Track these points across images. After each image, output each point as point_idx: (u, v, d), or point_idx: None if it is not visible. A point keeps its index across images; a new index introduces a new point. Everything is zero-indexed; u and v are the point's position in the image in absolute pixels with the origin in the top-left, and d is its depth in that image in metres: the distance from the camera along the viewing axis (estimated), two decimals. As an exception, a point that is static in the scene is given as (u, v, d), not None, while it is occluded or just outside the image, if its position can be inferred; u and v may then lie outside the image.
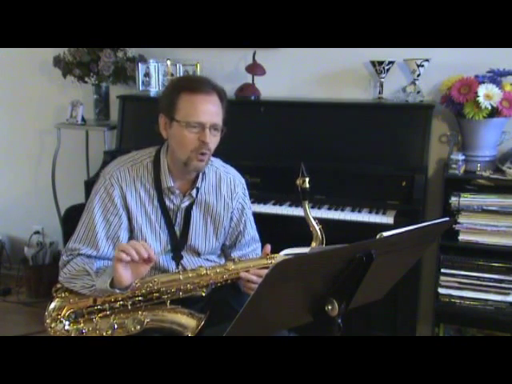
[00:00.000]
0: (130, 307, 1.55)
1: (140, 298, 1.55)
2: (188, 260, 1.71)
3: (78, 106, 3.05)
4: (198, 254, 1.74)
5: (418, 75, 2.51)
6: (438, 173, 2.62)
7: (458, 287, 2.32)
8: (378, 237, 1.15)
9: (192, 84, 1.61)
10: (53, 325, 1.54)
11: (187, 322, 1.54)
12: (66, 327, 1.54)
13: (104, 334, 1.53)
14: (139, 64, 2.89)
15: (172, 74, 2.84)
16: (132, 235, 1.65)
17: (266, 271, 1.53)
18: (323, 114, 2.57)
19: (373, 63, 2.57)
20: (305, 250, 1.43)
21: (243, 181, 1.81)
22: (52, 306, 1.57)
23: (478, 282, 2.30)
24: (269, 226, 1.93)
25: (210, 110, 1.57)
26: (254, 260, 1.62)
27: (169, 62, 2.84)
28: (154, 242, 1.66)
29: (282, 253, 1.47)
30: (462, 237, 2.29)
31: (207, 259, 1.75)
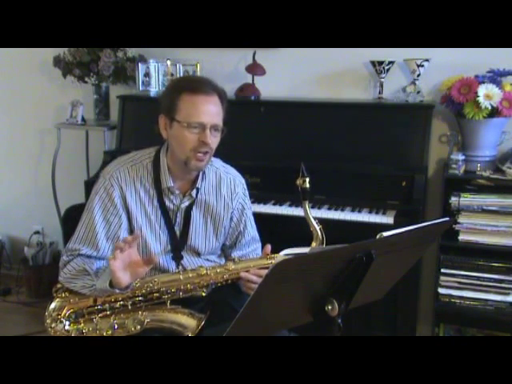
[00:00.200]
0: (130, 307, 1.55)
1: (140, 298, 1.55)
2: (188, 260, 1.71)
3: (78, 106, 3.05)
4: (198, 254, 1.74)
5: (418, 75, 2.51)
6: (438, 173, 2.62)
7: (458, 287, 2.32)
8: (378, 237, 1.15)
9: (193, 84, 1.61)
10: (53, 325, 1.54)
11: (187, 322, 1.54)
12: (66, 327, 1.54)
13: (104, 334, 1.54)
14: (139, 64, 2.89)
15: (172, 74, 2.84)
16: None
17: (266, 271, 1.54)
18: (323, 114, 2.57)
19: (373, 63, 2.57)
20: (305, 249, 1.43)
21: (243, 181, 1.81)
22: (52, 306, 1.57)
23: (478, 282, 2.29)
24: (269, 225, 1.93)
25: (210, 111, 1.57)
26: (254, 260, 1.62)
27: (169, 62, 2.84)
28: (154, 242, 1.67)
29: (282, 253, 1.47)
30: (462, 237, 2.29)
31: (207, 259, 1.75)
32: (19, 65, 3.36)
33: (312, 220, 1.59)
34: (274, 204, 2.43)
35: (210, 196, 1.72)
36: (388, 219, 2.22)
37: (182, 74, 2.82)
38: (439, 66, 2.51)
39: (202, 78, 1.71)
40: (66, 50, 3.01)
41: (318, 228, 1.59)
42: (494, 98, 2.24)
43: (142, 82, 2.90)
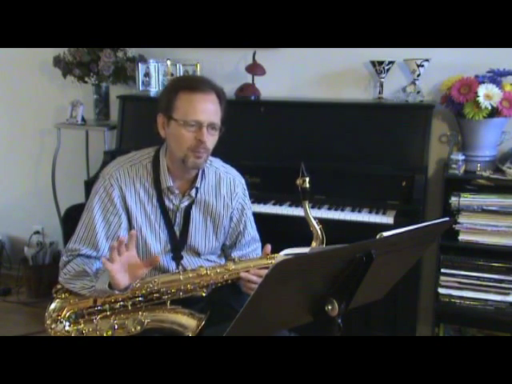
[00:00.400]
0: (130, 308, 1.55)
1: (140, 299, 1.55)
2: (188, 260, 1.71)
3: (78, 106, 3.05)
4: (198, 254, 1.74)
5: (418, 75, 2.51)
6: (438, 173, 2.62)
7: (458, 287, 2.32)
8: (378, 237, 1.15)
9: (190, 83, 1.62)
10: (53, 326, 1.55)
11: (187, 322, 1.54)
12: (67, 328, 1.54)
13: (104, 334, 1.54)
14: (139, 64, 2.89)
15: (172, 74, 2.84)
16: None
17: (266, 271, 1.54)
18: (323, 114, 2.57)
19: (373, 63, 2.57)
20: (305, 250, 1.43)
21: (243, 181, 1.81)
22: (52, 306, 1.57)
23: (478, 282, 2.30)
24: (269, 225, 1.93)
25: (207, 109, 1.57)
26: (254, 260, 1.62)
27: (169, 62, 2.84)
28: (154, 242, 1.67)
29: (282, 253, 1.47)
30: (462, 237, 2.29)
31: (207, 259, 1.75)
32: (19, 65, 3.36)
33: (312, 220, 1.59)
34: (274, 204, 2.43)
35: (210, 196, 1.72)
36: (388, 219, 2.22)
37: (181, 74, 2.82)
38: (439, 66, 2.51)
39: (199, 77, 1.71)
40: (66, 50, 3.01)
41: (317, 228, 1.59)
42: (493, 98, 2.24)
43: (142, 82, 2.90)
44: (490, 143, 2.37)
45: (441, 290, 2.34)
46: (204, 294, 1.59)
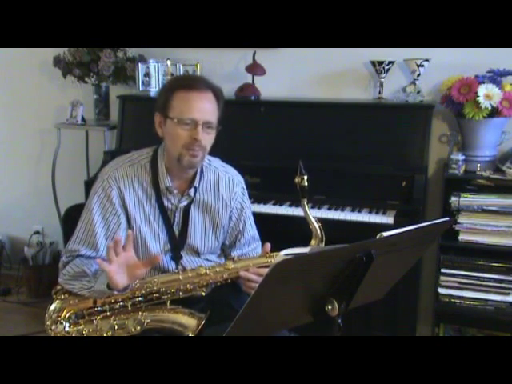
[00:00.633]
0: (130, 308, 1.55)
1: (140, 299, 1.55)
2: (188, 260, 1.71)
3: (78, 106, 3.05)
4: (198, 254, 1.74)
5: (418, 75, 2.51)
6: (438, 173, 2.62)
7: (458, 287, 2.32)
8: (378, 237, 1.15)
9: (186, 82, 1.62)
10: (53, 327, 1.54)
11: (188, 322, 1.54)
12: (67, 329, 1.54)
13: (104, 335, 1.53)
14: (139, 64, 2.89)
15: (172, 74, 2.84)
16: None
17: (265, 270, 1.54)
18: (323, 114, 2.57)
19: (373, 63, 2.57)
20: (305, 250, 1.43)
21: (242, 180, 1.81)
22: (52, 307, 1.57)
23: (478, 282, 2.30)
24: (269, 225, 1.93)
25: (203, 108, 1.57)
26: (253, 259, 1.63)
27: (169, 62, 2.84)
28: (154, 242, 1.67)
29: (282, 253, 1.47)
30: (462, 237, 2.29)
31: (207, 259, 1.75)
32: (19, 65, 3.36)
33: (311, 218, 1.59)
34: (274, 204, 2.43)
35: (208, 195, 1.72)
36: (388, 219, 2.22)
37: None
38: (439, 66, 2.51)
39: (196, 76, 1.72)
40: (66, 50, 3.01)
41: (317, 226, 1.59)
42: (494, 98, 2.24)
43: (142, 82, 2.90)
44: (490, 143, 2.37)
45: (441, 290, 2.34)
46: (204, 294, 1.59)
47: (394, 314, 2.42)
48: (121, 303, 1.54)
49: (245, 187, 1.81)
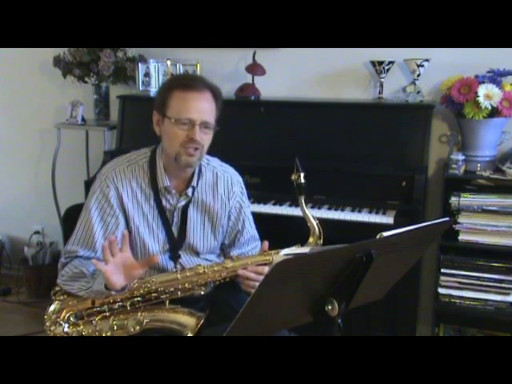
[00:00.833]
0: (129, 308, 1.55)
1: (139, 299, 1.55)
2: (187, 260, 1.71)
3: (78, 106, 3.05)
4: (197, 254, 1.74)
5: (418, 75, 2.51)
6: (438, 173, 2.62)
7: (458, 287, 2.32)
8: (378, 237, 1.15)
9: (184, 81, 1.62)
10: (52, 328, 1.54)
11: (187, 321, 1.54)
12: (66, 330, 1.54)
13: (104, 335, 1.53)
14: (139, 64, 2.89)
15: (172, 74, 2.83)
16: (130, 236, 1.65)
17: (263, 268, 1.54)
18: (323, 114, 2.57)
19: (373, 63, 2.57)
20: (305, 249, 1.43)
21: (241, 180, 1.81)
22: (51, 308, 1.57)
23: (478, 282, 2.29)
24: (269, 225, 1.93)
25: (201, 108, 1.57)
26: (251, 257, 1.62)
27: (169, 62, 2.84)
28: (152, 242, 1.66)
29: (282, 253, 1.47)
30: (462, 237, 2.29)
31: (206, 259, 1.75)
32: (19, 65, 3.36)
33: (309, 215, 1.59)
34: (274, 204, 2.42)
35: (207, 195, 1.72)
36: (388, 219, 2.22)
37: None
38: (439, 66, 2.51)
39: (195, 76, 1.71)
40: (66, 50, 3.01)
41: (314, 223, 1.59)
42: (494, 98, 2.24)
43: (142, 82, 2.91)
44: (490, 143, 2.37)
45: (441, 290, 2.34)
46: (203, 293, 1.58)
47: (393, 314, 2.42)
48: (120, 303, 1.54)
49: (243, 187, 1.81)
